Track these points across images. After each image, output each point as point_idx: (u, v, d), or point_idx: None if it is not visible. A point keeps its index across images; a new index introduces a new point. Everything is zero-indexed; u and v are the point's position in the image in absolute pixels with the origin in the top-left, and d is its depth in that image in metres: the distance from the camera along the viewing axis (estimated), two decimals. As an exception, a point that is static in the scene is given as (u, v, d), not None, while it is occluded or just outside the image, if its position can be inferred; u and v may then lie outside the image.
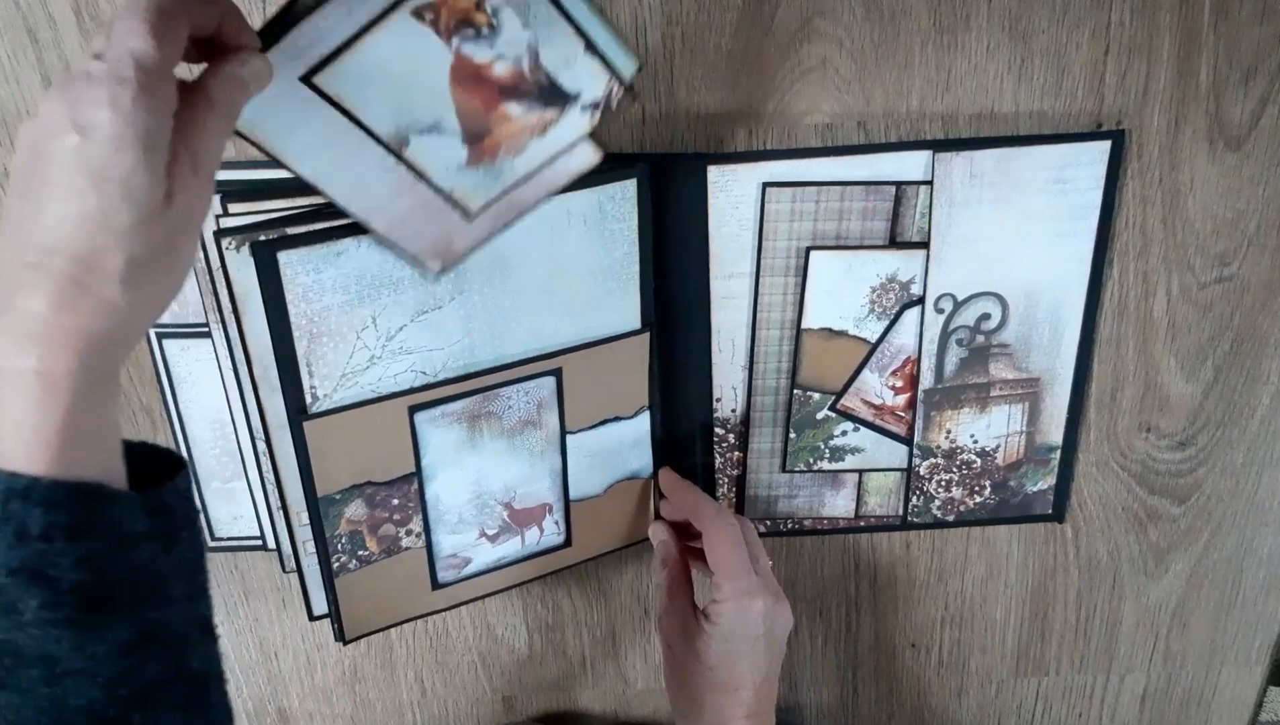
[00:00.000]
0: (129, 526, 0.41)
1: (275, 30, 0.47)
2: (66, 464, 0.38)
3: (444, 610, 0.72)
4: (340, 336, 0.61)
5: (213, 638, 0.47)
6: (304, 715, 0.83)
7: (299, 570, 0.68)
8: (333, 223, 0.58)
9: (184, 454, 0.72)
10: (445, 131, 0.53)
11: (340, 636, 0.69)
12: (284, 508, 0.66)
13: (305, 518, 0.65)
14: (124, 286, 0.39)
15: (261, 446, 0.65)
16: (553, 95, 0.53)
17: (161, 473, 0.44)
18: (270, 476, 0.66)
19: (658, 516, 0.74)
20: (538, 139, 0.55)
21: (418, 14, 0.48)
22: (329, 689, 0.82)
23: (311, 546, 0.66)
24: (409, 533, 0.68)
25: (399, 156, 0.53)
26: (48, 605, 0.38)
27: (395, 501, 0.67)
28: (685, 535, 0.71)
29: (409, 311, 0.62)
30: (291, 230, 0.58)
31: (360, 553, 0.67)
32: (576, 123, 0.55)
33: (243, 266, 0.58)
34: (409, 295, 0.62)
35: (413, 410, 0.64)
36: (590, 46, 0.52)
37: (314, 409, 0.62)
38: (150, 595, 0.42)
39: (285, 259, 0.58)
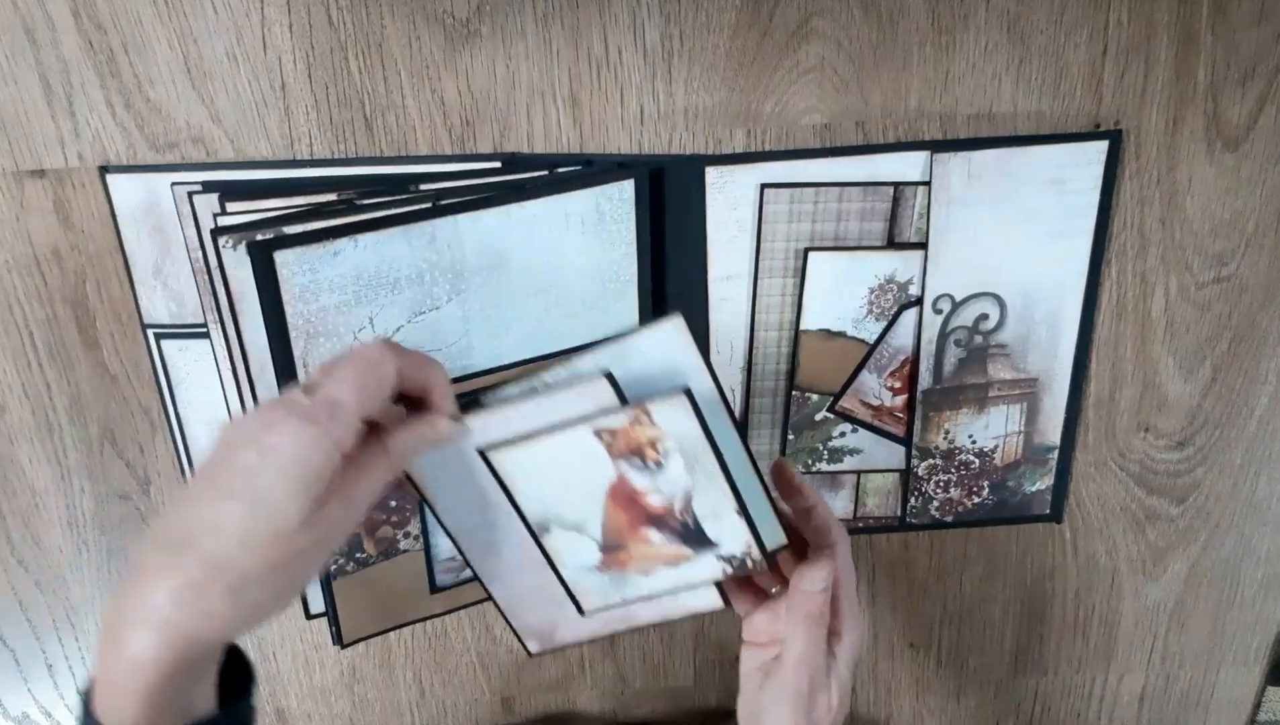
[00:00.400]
0: None
1: (471, 402, 0.52)
2: (170, 719, 0.44)
3: (442, 614, 0.72)
4: (337, 337, 0.61)
5: None
6: (302, 716, 0.83)
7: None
8: (329, 222, 0.59)
9: (185, 462, 0.72)
10: (586, 533, 0.56)
11: (338, 640, 0.69)
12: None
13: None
14: (230, 599, 0.43)
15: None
16: (693, 537, 0.55)
17: (235, 668, 0.49)
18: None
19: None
20: (667, 568, 0.57)
21: (597, 433, 0.52)
22: (327, 689, 0.82)
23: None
24: (407, 535, 0.68)
25: (538, 540, 0.56)
26: None
27: (393, 503, 0.67)
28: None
29: (406, 312, 0.62)
30: (288, 229, 0.59)
31: (358, 554, 0.67)
32: (708, 568, 0.56)
33: (240, 265, 0.58)
34: (406, 296, 0.62)
35: None
36: (742, 509, 0.54)
37: None
38: None
39: (282, 259, 0.58)
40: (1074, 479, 0.76)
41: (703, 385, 0.52)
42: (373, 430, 0.48)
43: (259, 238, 0.58)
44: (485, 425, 0.52)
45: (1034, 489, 0.76)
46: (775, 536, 0.56)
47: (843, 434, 0.74)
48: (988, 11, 0.62)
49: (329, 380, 0.46)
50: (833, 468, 0.75)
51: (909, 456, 0.74)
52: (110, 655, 0.43)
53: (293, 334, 0.60)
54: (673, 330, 0.52)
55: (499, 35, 0.62)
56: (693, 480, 0.53)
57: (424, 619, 0.72)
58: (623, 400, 0.51)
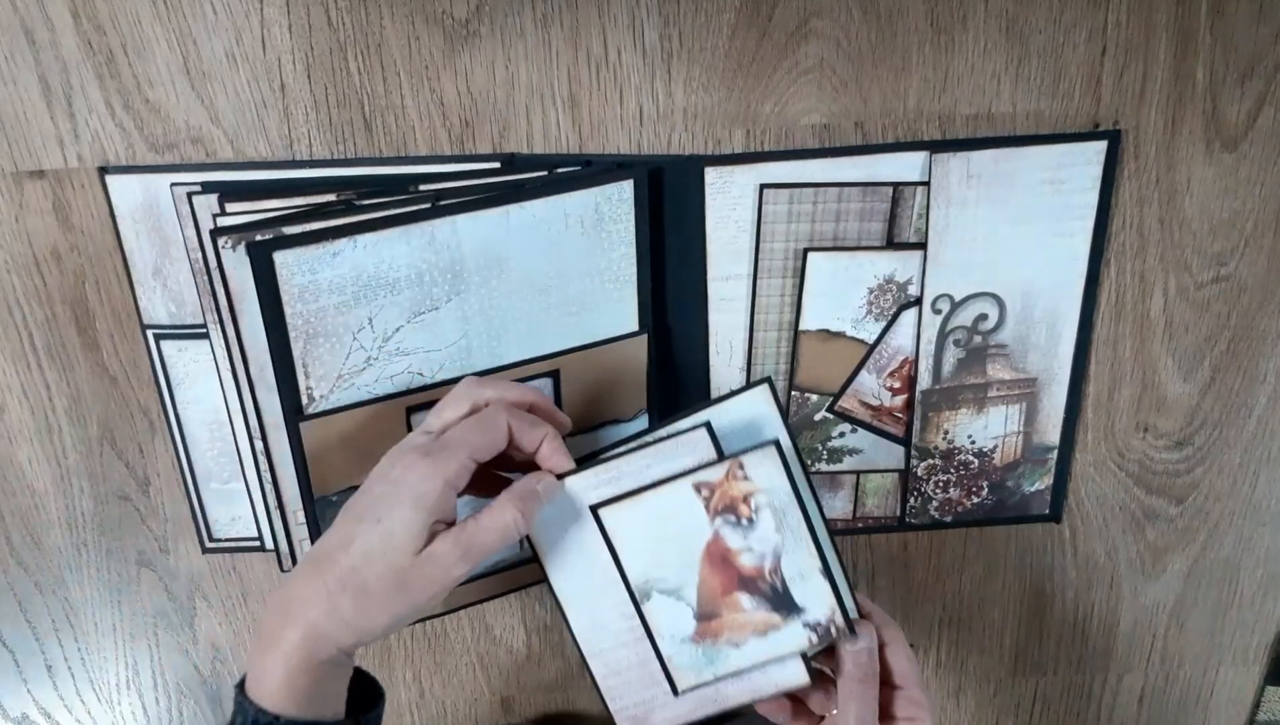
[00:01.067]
0: None
1: (585, 460, 0.58)
2: (300, 709, 0.51)
3: (442, 615, 0.72)
4: (336, 337, 0.61)
5: None
6: (302, 716, 0.83)
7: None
8: (328, 223, 0.59)
9: (184, 462, 0.72)
10: (683, 599, 0.59)
11: None
12: (281, 508, 0.66)
13: (302, 517, 0.65)
14: (355, 605, 0.51)
15: (259, 447, 0.65)
16: (782, 602, 0.58)
17: (364, 689, 0.58)
18: (268, 477, 0.66)
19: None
20: (757, 637, 0.59)
21: (697, 487, 0.57)
22: (327, 690, 0.82)
23: (309, 545, 0.66)
24: None
25: (638, 608, 0.59)
26: None
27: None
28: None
29: (405, 313, 0.62)
30: (287, 230, 0.59)
31: None
32: (795, 637, 0.58)
33: (239, 266, 0.58)
34: (405, 296, 0.62)
35: (410, 412, 0.64)
36: (826, 570, 0.57)
37: (310, 410, 0.62)
38: None
39: (281, 259, 0.58)
40: (1073, 479, 0.76)
41: (785, 442, 0.56)
42: (491, 481, 0.57)
43: (258, 238, 0.58)
44: (596, 481, 0.57)
45: (1033, 489, 0.76)
46: (851, 604, 0.59)
47: (842, 434, 0.74)
48: (986, 12, 0.62)
49: (450, 430, 0.55)
50: (832, 468, 0.75)
51: (908, 457, 0.74)
52: (263, 646, 0.52)
53: (292, 334, 0.60)
54: (761, 393, 0.57)
55: (498, 36, 0.62)
56: (781, 539, 0.57)
57: (422, 620, 0.72)
58: (719, 453, 0.56)
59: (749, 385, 0.57)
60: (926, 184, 0.66)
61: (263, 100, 0.63)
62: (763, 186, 0.66)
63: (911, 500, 0.76)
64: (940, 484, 0.75)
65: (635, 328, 0.68)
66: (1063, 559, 0.80)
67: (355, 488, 0.64)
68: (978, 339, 0.70)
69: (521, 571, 0.72)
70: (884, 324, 0.70)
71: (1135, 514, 0.78)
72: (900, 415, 0.73)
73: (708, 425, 0.56)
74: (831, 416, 0.73)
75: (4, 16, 0.61)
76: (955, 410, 0.73)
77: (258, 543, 0.75)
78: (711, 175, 0.65)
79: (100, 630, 0.79)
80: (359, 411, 0.63)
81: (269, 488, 0.67)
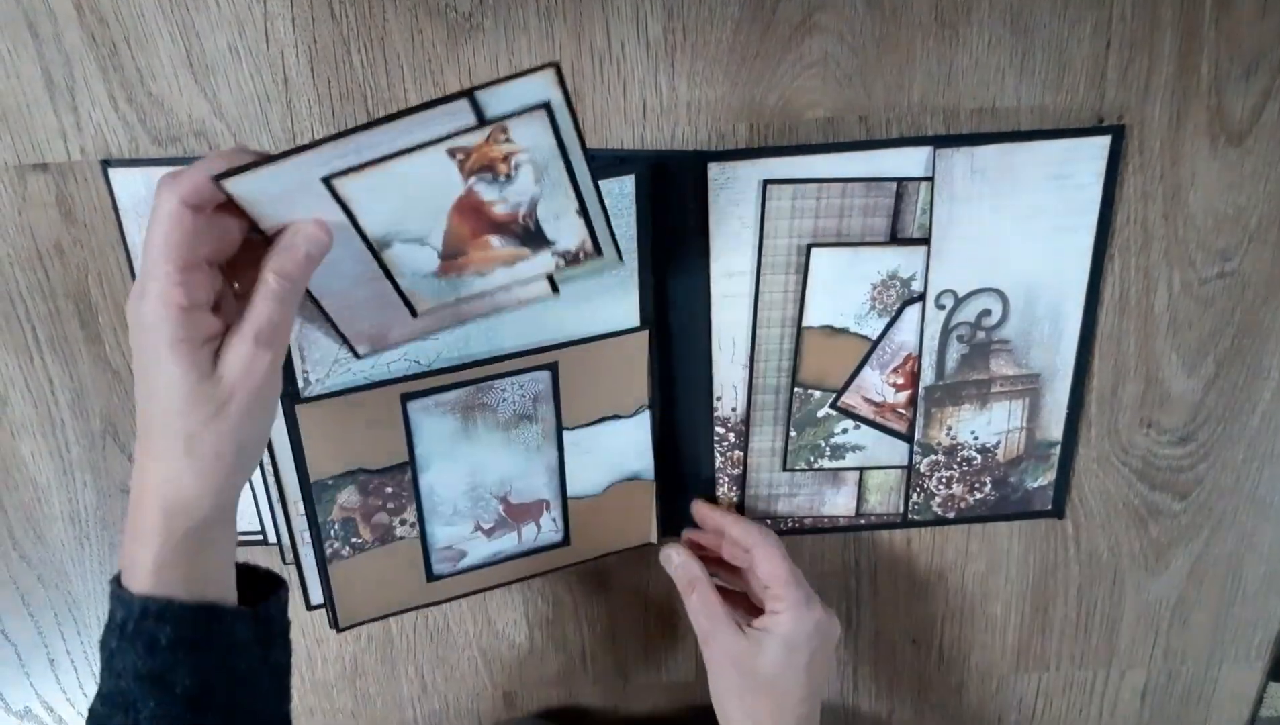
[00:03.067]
0: (237, 637, 0.50)
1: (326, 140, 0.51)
2: (185, 591, 0.48)
3: (441, 603, 0.73)
4: (331, 321, 0.61)
5: None
6: (304, 710, 0.83)
7: (297, 561, 0.68)
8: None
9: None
10: (427, 245, 0.57)
11: (334, 624, 0.69)
12: (282, 498, 0.66)
13: (302, 508, 0.65)
14: (186, 456, 0.48)
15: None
16: (533, 239, 0.58)
17: (264, 587, 0.54)
18: (269, 466, 0.66)
19: (662, 540, 0.75)
20: (504, 268, 0.59)
21: (451, 152, 0.53)
22: (329, 684, 0.82)
23: (308, 536, 0.66)
24: (403, 522, 0.68)
25: (376, 255, 0.56)
26: (161, 705, 0.47)
27: (389, 489, 0.67)
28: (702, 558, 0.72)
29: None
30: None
31: (354, 540, 0.67)
32: (542, 263, 0.59)
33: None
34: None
35: (405, 398, 0.64)
36: (582, 210, 0.57)
37: (306, 393, 0.62)
38: (244, 695, 0.51)
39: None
40: (1076, 475, 0.76)
41: (559, 103, 0.53)
42: (252, 272, 0.50)
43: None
44: (333, 156, 0.51)
45: (1036, 485, 0.76)
46: (606, 235, 0.59)
47: (845, 431, 0.74)
48: (991, 6, 0.62)
49: (149, 274, 0.47)
50: (835, 465, 0.75)
51: (911, 453, 0.74)
52: (127, 539, 0.49)
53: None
54: (545, 76, 0.51)
55: (501, 29, 0.62)
56: (540, 190, 0.56)
57: (422, 607, 0.72)
58: (481, 120, 0.52)
59: (531, 70, 0.50)
60: (930, 179, 0.65)
61: (265, 93, 0.63)
62: (766, 182, 0.65)
63: (914, 497, 0.76)
64: (943, 480, 0.75)
65: (636, 323, 0.67)
66: (1065, 555, 0.80)
67: (350, 473, 0.65)
68: (981, 335, 0.70)
69: (521, 563, 0.73)
70: (887, 320, 0.70)
71: (1138, 510, 0.78)
72: (903, 411, 0.73)
73: (470, 94, 0.51)
74: (835, 413, 0.73)
75: (7, 9, 0.61)
76: (958, 406, 0.73)
77: (260, 537, 0.75)
78: (714, 171, 0.65)
79: (103, 624, 0.79)
80: (355, 396, 0.63)
81: (270, 481, 0.67)
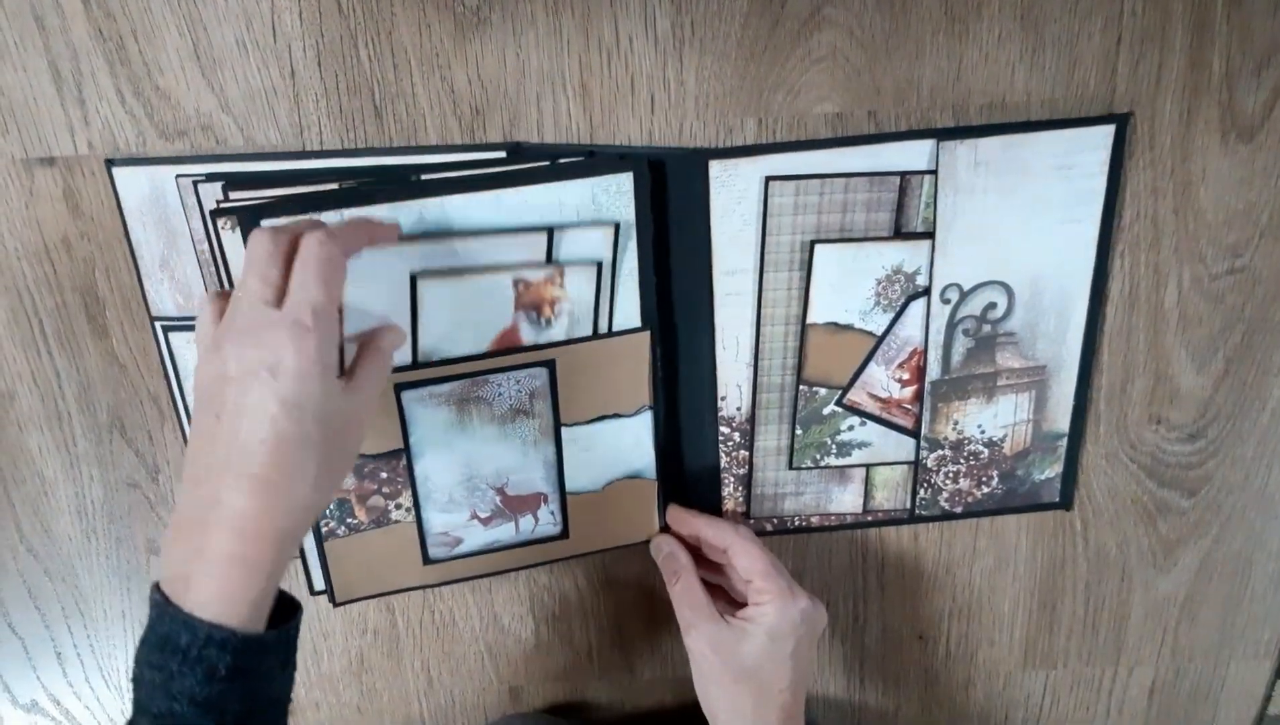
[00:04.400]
0: (272, 663, 0.51)
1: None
2: (247, 621, 0.48)
3: (438, 585, 0.73)
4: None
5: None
6: (310, 704, 0.83)
7: (300, 552, 0.69)
8: (316, 188, 0.61)
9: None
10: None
11: (331, 598, 0.70)
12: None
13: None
14: (315, 489, 0.50)
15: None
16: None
17: (281, 605, 0.54)
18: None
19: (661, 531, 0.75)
20: None
21: (515, 282, 0.63)
22: (335, 678, 0.82)
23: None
24: (398, 506, 0.69)
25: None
26: None
27: (384, 474, 0.67)
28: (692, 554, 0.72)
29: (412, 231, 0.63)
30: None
31: (349, 520, 0.68)
32: None
33: (238, 247, 0.59)
34: None
35: (399, 388, 0.65)
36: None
37: None
38: (274, 717, 0.53)
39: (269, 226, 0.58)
40: (1085, 471, 0.76)
41: (607, 261, 0.63)
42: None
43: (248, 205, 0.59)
44: (427, 251, 0.60)
45: (1043, 477, 0.76)
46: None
47: (851, 428, 0.73)
48: (1001, 0, 0.62)
49: (296, 288, 0.50)
50: (841, 462, 0.75)
51: (918, 448, 0.74)
52: (194, 553, 0.49)
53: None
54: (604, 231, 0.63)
55: (509, 23, 0.62)
56: (570, 325, 0.65)
57: (418, 588, 0.73)
58: (549, 258, 0.62)
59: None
60: (934, 172, 0.65)
61: (273, 87, 0.63)
62: (768, 178, 0.65)
63: (921, 492, 0.76)
64: (950, 475, 0.75)
65: (637, 323, 0.67)
66: (1073, 552, 0.80)
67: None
68: (987, 328, 0.70)
69: (518, 553, 0.73)
70: (892, 315, 0.70)
71: (1147, 507, 0.78)
72: (909, 407, 0.73)
73: (550, 233, 0.61)
74: (840, 410, 0.73)
75: (14, 2, 0.61)
76: (965, 400, 0.72)
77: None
78: (716, 168, 0.65)
79: (109, 617, 0.80)
80: None
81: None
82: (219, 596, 0.48)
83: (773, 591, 0.65)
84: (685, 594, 0.68)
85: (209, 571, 0.48)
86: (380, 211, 0.61)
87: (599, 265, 0.64)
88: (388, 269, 0.60)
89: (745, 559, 0.67)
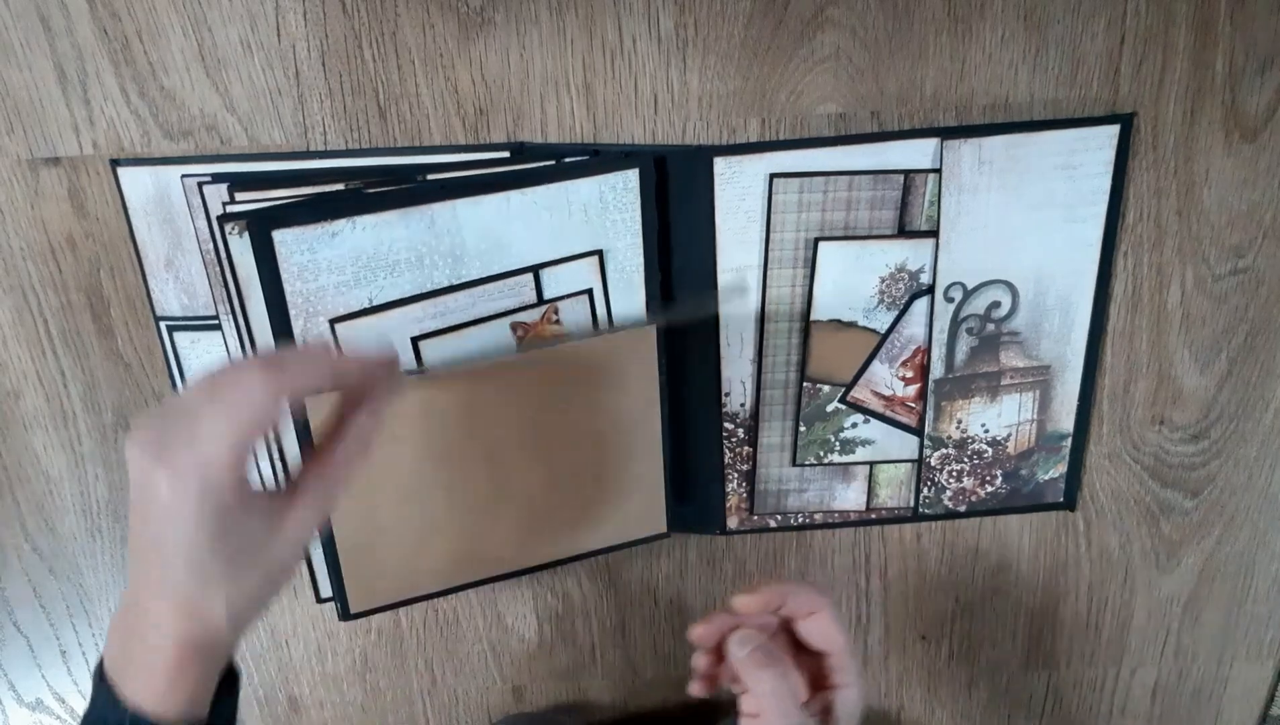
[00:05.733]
0: None
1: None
2: (182, 711, 0.48)
3: (454, 591, 0.72)
4: (338, 317, 0.62)
5: None
6: (314, 703, 0.83)
7: (306, 556, 0.69)
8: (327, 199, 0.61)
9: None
10: None
11: (345, 611, 0.69)
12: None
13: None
14: (229, 619, 0.47)
15: (270, 435, 0.65)
16: None
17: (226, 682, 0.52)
18: (278, 459, 0.66)
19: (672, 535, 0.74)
20: None
21: (514, 326, 0.65)
22: (339, 677, 0.82)
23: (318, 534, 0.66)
24: None
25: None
26: None
27: None
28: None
29: (406, 294, 0.62)
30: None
31: None
32: None
33: (244, 251, 0.59)
34: (406, 278, 0.62)
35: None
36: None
37: None
38: None
39: (280, 237, 0.59)
40: (1088, 471, 0.76)
41: (599, 289, 0.65)
42: (325, 442, 0.51)
43: (259, 215, 0.59)
44: (423, 315, 0.62)
45: (1047, 477, 0.76)
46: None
47: (854, 425, 0.73)
48: (1004, 0, 0.62)
49: (202, 416, 0.45)
50: (845, 459, 0.75)
51: (921, 447, 0.74)
52: (126, 645, 0.48)
53: (292, 312, 0.60)
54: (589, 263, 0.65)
55: (513, 24, 0.62)
56: None
57: (436, 594, 0.72)
58: (540, 297, 0.65)
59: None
60: (938, 171, 0.65)
61: (277, 87, 0.63)
62: (772, 176, 0.65)
63: (925, 490, 0.76)
64: (954, 473, 0.75)
65: (644, 318, 0.67)
66: (1076, 552, 0.79)
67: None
68: (990, 327, 0.70)
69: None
70: (896, 313, 0.70)
71: (1150, 507, 0.78)
72: (913, 405, 0.73)
73: (535, 273, 0.64)
74: (844, 407, 0.73)
75: (20, 2, 0.61)
76: (968, 399, 0.72)
77: (271, 530, 0.75)
78: (720, 165, 0.65)
79: (112, 614, 0.80)
80: None
81: (282, 478, 0.67)
82: (149, 688, 0.47)
83: (853, 674, 0.58)
84: (776, 699, 0.55)
85: (140, 663, 0.48)
86: (390, 218, 0.61)
87: (589, 292, 0.66)
88: (387, 339, 0.62)
89: (830, 632, 0.58)
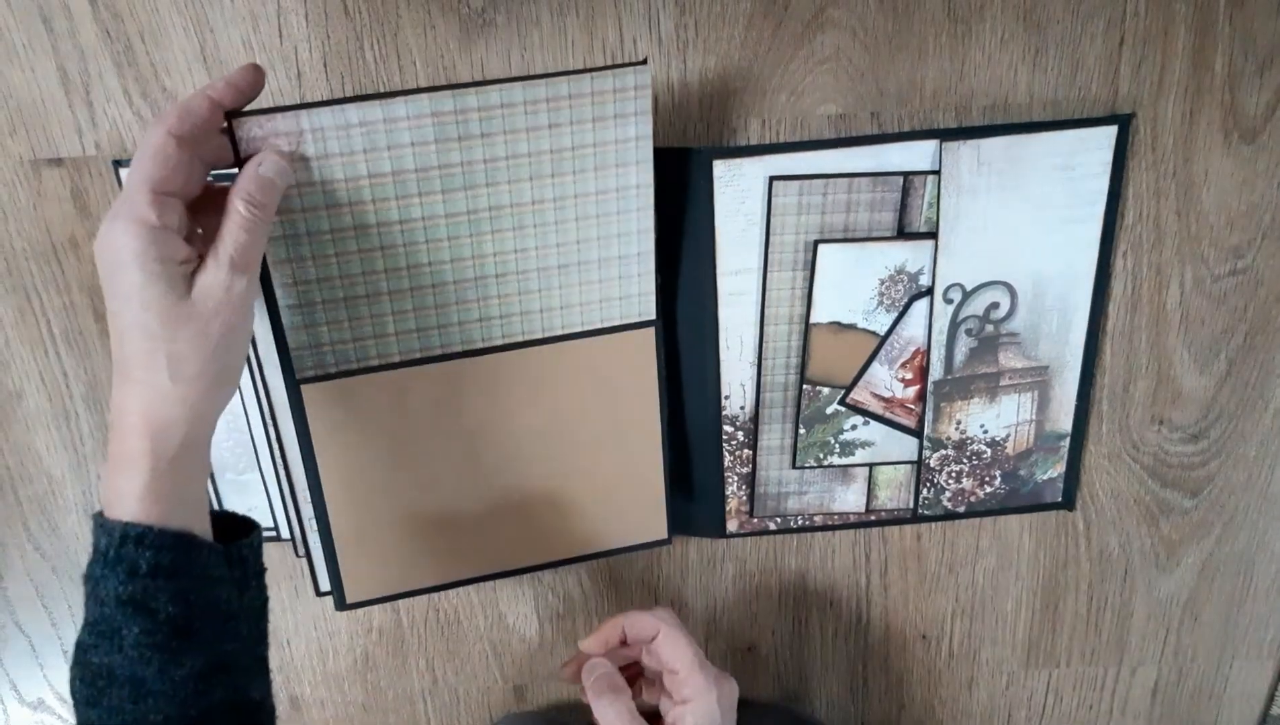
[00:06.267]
0: (213, 570, 0.51)
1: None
2: (165, 519, 0.49)
3: (451, 586, 0.72)
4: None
5: (268, 676, 0.57)
6: (316, 703, 0.84)
7: (308, 553, 0.69)
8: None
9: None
10: None
11: (340, 601, 0.69)
12: (293, 494, 0.67)
13: (310, 497, 0.66)
14: (173, 380, 0.49)
15: (271, 433, 0.65)
16: None
17: (240, 533, 0.55)
18: (280, 463, 0.66)
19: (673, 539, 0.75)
20: None
21: None
22: (341, 677, 0.82)
23: (315, 522, 0.66)
24: None
25: None
26: (145, 632, 0.48)
27: None
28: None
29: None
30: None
31: None
32: None
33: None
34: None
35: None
36: None
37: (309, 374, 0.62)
38: (224, 630, 0.51)
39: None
40: (1088, 471, 0.76)
41: None
42: (220, 194, 0.53)
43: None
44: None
45: (1046, 477, 0.76)
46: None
47: (854, 427, 0.74)
48: (1003, 1, 0.62)
49: (127, 188, 0.49)
50: (844, 461, 0.75)
51: (921, 448, 0.74)
52: (110, 470, 0.50)
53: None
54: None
55: (514, 25, 0.62)
56: None
57: (433, 589, 0.72)
58: None
59: None
60: (937, 173, 0.65)
61: (279, 89, 0.64)
62: (772, 178, 0.65)
63: (924, 491, 0.76)
64: (953, 474, 0.75)
65: (650, 316, 0.67)
66: (1076, 552, 0.80)
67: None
68: (989, 328, 0.70)
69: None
70: (895, 315, 0.70)
71: (1150, 507, 0.78)
72: (912, 406, 0.73)
73: None
74: (843, 409, 0.73)
75: (22, 4, 0.61)
76: (967, 400, 0.73)
77: (273, 532, 0.75)
78: (720, 168, 0.65)
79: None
80: (358, 378, 0.63)
81: (282, 475, 0.67)
82: (125, 495, 0.48)
83: (694, 690, 0.63)
84: (624, 711, 0.63)
85: (118, 473, 0.49)
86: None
87: None
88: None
89: (674, 653, 0.65)
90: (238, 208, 0.51)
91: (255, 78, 0.53)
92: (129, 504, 0.48)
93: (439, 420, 0.66)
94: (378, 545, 0.69)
